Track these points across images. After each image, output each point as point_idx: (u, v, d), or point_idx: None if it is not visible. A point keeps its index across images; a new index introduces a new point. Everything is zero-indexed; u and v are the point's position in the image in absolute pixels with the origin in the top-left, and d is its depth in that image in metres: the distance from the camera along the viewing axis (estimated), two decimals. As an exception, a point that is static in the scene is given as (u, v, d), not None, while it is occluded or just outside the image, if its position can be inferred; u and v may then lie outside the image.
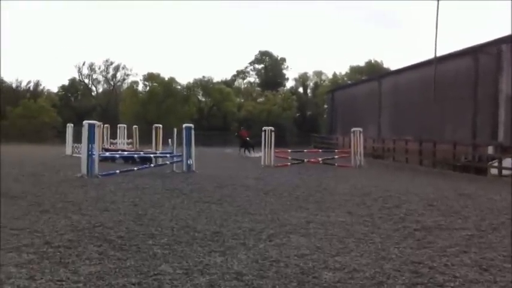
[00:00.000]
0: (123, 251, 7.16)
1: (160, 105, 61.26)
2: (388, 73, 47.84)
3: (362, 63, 71.11)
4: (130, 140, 33.29)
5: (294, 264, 6.63)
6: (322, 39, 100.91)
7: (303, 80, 74.21)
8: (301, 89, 74.49)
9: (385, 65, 67.77)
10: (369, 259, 6.95)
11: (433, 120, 31.67)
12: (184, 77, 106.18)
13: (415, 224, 9.70)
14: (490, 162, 24.22)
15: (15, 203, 11.35)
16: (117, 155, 24.08)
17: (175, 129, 22.39)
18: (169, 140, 23.84)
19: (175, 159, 21.34)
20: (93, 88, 70.53)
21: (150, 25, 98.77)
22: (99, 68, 68.27)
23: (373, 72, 60.20)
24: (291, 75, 76.58)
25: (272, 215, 10.36)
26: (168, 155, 22.40)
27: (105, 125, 32.02)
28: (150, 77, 65.27)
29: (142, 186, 15.28)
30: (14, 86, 65.26)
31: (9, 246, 7.33)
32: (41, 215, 9.97)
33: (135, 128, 32.72)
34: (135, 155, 23.85)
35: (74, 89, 69.34)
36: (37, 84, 65.75)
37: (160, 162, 22.28)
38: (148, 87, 65.56)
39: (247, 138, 35.54)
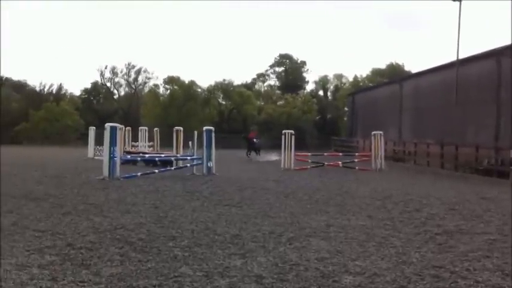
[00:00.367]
0: (144, 253, 7.22)
1: (181, 108, 61.61)
2: (410, 76, 47.45)
3: (383, 66, 70.68)
4: (151, 143, 33.55)
5: (314, 267, 6.62)
6: (343, 42, 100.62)
7: (323, 82, 73.96)
8: (321, 92, 74.26)
9: (407, 68, 67.26)
10: (390, 263, 6.91)
11: (455, 123, 31.33)
12: (204, 80, 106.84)
13: (436, 228, 9.61)
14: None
15: (38, 205, 11.51)
16: (139, 158, 24.27)
17: (195, 132, 22.51)
18: (190, 142, 23.97)
19: (195, 161, 21.45)
20: (115, 91, 71.25)
21: (171, 28, 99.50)
22: (121, 72, 68.95)
23: (394, 74, 59.74)
24: (311, 78, 76.58)
25: (292, 218, 10.35)
26: (188, 158, 22.52)
27: (127, 128, 32.34)
28: (171, 80, 65.71)
29: (163, 188, 15.39)
30: (37, 89, 66.21)
31: (32, 247, 7.44)
32: (63, 217, 10.10)
33: (156, 130, 32.96)
34: (156, 158, 24.02)
35: (96, 92, 70.09)
36: (60, 88, 66.62)
37: (180, 165, 22.40)
38: (169, 91, 66.01)
39: (255, 140, 34.17)
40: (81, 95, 69.22)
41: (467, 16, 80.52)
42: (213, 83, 67.00)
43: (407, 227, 9.70)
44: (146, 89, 69.64)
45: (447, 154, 29.75)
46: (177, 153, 24.34)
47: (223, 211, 11.18)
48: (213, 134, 21.53)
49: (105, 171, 18.12)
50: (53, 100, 62.70)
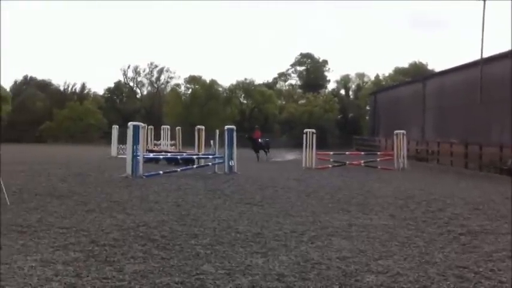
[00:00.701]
0: (167, 251, 7.28)
1: (203, 107, 61.89)
2: (433, 74, 46.96)
3: (406, 65, 70.02)
4: (173, 142, 33.73)
5: (336, 266, 6.60)
6: (365, 41, 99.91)
7: (344, 81, 73.59)
8: (343, 91, 73.90)
9: (430, 67, 66.52)
10: (413, 263, 6.86)
11: (479, 122, 30.91)
12: (226, 79, 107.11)
13: (460, 228, 9.51)
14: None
15: (63, 203, 11.68)
16: (161, 156, 24.43)
17: (217, 131, 22.58)
18: (212, 141, 24.05)
19: (217, 160, 21.52)
20: (138, 91, 71.83)
21: (193, 28, 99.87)
22: (144, 71, 69.50)
23: (417, 73, 59.15)
24: (333, 77, 76.14)
25: (313, 217, 10.34)
26: (210, 157, 22.61)
27: (149, 127, 32.57)
28: (192, 80, 66.02)
29: (185, 187, 15.49)
30: (61, 88, 67.08)
31: (56, 244, 7.56)
32: (87, 214, 10.24)
33: (178, 129, 33.14)
34: (178, 156, 24.14)
35: (120, 92, 70.73)
36: (83, 87, 67.40)
37: (202, 164, 22.50)
38: (190, 90, 66.34)
39: (260, 140, 31.94)
40: (104, 94, 69.96)
41: (491, 14, 79.31)
42: (234, 82, 67.24)
43: (430, 226, 9.62)
44: (168, 88, 70.08)
45: (471, 154, 29.34)
46: (198, 151, 24.46)
47: (244, 209, 11.21)
48: (235, 133, 21.58)
49: (128, 170, 18.30)
50: (77, 99, 63.47)
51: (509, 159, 26.05)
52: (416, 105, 41.78)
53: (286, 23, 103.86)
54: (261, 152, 31.18)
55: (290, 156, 33.58)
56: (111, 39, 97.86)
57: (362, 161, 26.20)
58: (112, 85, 70.08)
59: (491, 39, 77.13)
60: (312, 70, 74.09)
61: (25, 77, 70.74)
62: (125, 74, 69.56)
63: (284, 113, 65.20)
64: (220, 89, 66.12)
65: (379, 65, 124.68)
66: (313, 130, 25.94)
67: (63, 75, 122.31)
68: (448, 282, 6.01)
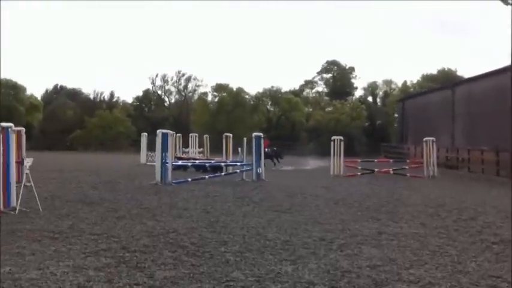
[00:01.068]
0: (197, 257, 7.32)
1: (229, 115, 62.17)
2: (462, 81, 46.32)
3: (434, 71, 69.21)
4: (201, 149, 33.95)
5: (366, 275, 6.55)
6: (391, 47, 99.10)
7: (372, 88, 73.07)
8: (370, 98, 73.39)
9: (459, 73, 65.63)
10: (445, 272, 6.77)
11: (510, 129, 30.29)
12: (252, 87, 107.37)
13: (492, 236, 9.34)
14: None
15: (93, 209, 11.85)
16: (189, 164, 24.62)
17: (244, 139, 22.64)
18: (239, 149, 24.11)
19: (245, 167, 21.56)
20: (166, 99, 72.52)
21: (220, 37, 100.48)
22: (172, 79, 70.16)
23: (446, 80, 58.41)
24: (360, 84, 75.62)
25: (342, 225, 10.28)
26: (238, 164, 22.67)
27: (178, 134, 32.84)
28: (219, 88, 66.41)
29: (213, 194, 15.56)
30: (91, 97, 68.16)
31: (88, 250, 7.67)
32: (118, 220, 10.36)
33: (206, 137, 33.35)
34: (206, 164, 24.27)
35: (148, 100, 71.54)
36: (112, 95, 68.37)
37: (230, 171, 22.57)
38: (217, 98, 66.71)
39: (267, 149, 31.73)
40: (133, 102, 70.82)
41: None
42: (261, 90, 67.42)
43: (462, 235, 9.47)
44: (196, 96, 70.59)
45: (502, 161, 28.79)
46: (226, 159, 24.55)
47: (273, 217, 11.21)
48: (262, 140, 21.60)
49: (158, 177, 18.47)
50: (106, 108, 64.38)
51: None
52: (446, 112, 41.23)
53: (313, 31, 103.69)
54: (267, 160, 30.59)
55: (313, 163, 33.25)
56: (139, 48, 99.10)
57: (391, 169, 25.94)
58: (141, 93, 71.01)
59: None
60: (338, 77, 73.80)
61: (56, 86, 72.23)
62: (153, 83, 70.37)
63: (311, 120, 65.03)
64: (247, 96, 66.36)
65: (406, 72, 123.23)
66: (341, 137, 25.79)
67: (92, 84, 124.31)
68: (482, 292, 5.91)
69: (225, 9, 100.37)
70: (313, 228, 9.89)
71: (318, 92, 75.83)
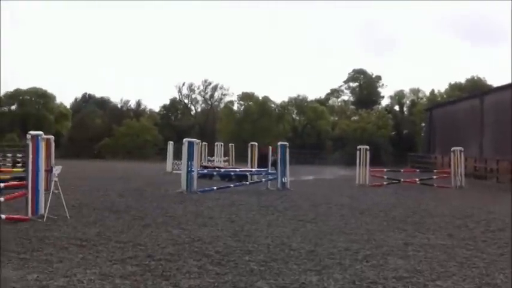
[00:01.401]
0: (221, 266, 7.34)
1: (255, 124, 62.30)
2: (491, 90, 45.61)
3: (462, 80, 68.36)
4: (226, 158, 34.07)
5: (392, 286, 6.48)
6: (419, 56, 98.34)
7: (399, 97, 72.45)
8: (397, 107, 72.75)
9: (488, 82, 64.65)
10: (472, 284, 6.66)
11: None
12: (278, 96, 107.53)
13: (522, 249, 9.15)
14: None
15: (120, 217, 11.97)
16: (214, 172, 24.72)
17: (270, 147, 22.64)
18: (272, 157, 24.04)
19: (270, 176, 21.56)
20: (192, 107, 73.09)
21: (246, 46, 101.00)
22: (198, 88, 70.72)
23: (475, 89, 57.57)
24: (387, 93, 74.95)
25: (368, 235, 10.19)
26: (263, 173, 22.67)
27: (203, 143, 33.02)
28: (245, 97, 66.64)
29: (238, 202, 15.59)
30: (119, 105, 69.06)
31: (114, 258, 7.74)
32: (144, 228, 10.44)
33: (231, 146, 33.46)
34: (232, 172, 24.36)
35: (174, 109, 72.22)
36: (139, 104, 69.16)
37: (255, 180, 22.58)
38: (243, 106, 66.93)
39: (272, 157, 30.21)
40: (160, 111, 71.53)
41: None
42: (286, 99, 67.47)
43: (490, 247, 9.30)
44: (222, 105, 70.97)
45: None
46: (251, 168, 24.57)
47: (298, 226, 11.17)
48: (288, 149, 21.58)
49: (183, 185, 18.58)
50: (134, 116, 65.12)
51: None
52: (474, 122, 40.63)
53: (339, 39, 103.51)
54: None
55: (336, 173, 32.95)
56: (166, 57, 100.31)
57: (417, 179, 25.62)
58: (167, 102, 71.69)
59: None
60: (365, 86, 73.43)
61: (84, 95, 73.46)
62: (179, 91, 71.02)
63: (336, 129, 64.74)
64: (273, 105, 66.45)
65: (434, 81, 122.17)
66: (367, 147, 25.61)
67: (120, 93, 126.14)
68: (511, 306, 5.79)
69: (252, 19, 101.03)
70: (338, 238, 9.83)
71: (343, 100, 75.58)
